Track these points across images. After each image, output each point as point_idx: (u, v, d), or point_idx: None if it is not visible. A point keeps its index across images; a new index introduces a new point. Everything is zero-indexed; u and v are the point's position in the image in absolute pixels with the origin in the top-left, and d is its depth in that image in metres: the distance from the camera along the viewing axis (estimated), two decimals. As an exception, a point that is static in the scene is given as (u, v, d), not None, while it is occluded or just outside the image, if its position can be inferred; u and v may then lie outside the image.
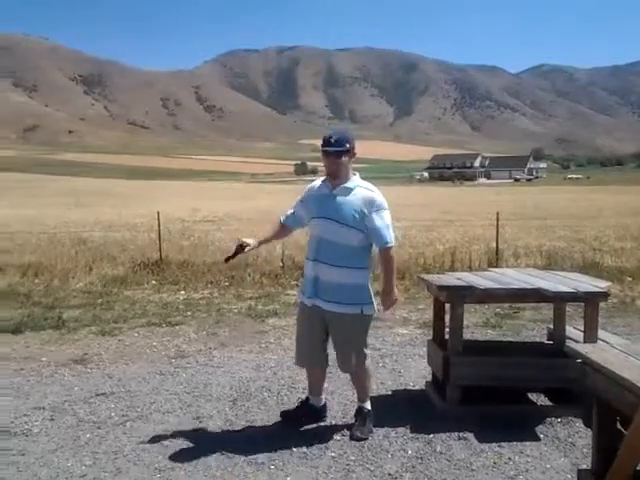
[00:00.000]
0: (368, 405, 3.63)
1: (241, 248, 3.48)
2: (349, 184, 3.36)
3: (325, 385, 3.87)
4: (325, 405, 3.80)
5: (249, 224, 14.75)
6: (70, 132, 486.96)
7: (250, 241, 3.51)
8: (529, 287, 3.69)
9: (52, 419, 3.86)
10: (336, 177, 3.36)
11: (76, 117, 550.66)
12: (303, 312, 3.57)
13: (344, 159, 3.31)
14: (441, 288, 3.88)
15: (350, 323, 3.41)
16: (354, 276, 3.36)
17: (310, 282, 3.44)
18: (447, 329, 4.09)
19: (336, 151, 3.29)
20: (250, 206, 27.40)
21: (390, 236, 3.36)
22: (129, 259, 9.83)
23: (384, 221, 3.33)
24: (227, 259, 3.60)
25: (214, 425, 3.75)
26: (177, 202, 32.00)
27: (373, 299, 3.46)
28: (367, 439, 3.46)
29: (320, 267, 3.38)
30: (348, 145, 3.30)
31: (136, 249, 10.86)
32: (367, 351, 3.58)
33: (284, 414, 3.77)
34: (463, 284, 3.83)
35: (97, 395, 4.27)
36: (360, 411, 3.62)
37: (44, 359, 5.14)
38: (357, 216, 3.29)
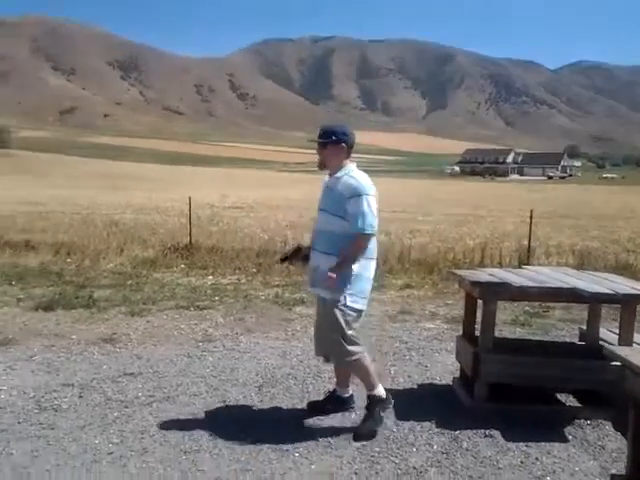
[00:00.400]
0: (378, 391, 3.50)
1: (299, 251, 3.57)
2: (339, 174, 3.42)
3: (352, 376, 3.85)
4: (352, 396, 3.78)
5: (278, 212, 14.78)
6: (106, 116, 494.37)
7: (306, 244, 3.62)
8: (565, 286, 3.60)
9: (81, 396, 3.92)
10: (323, 167, 3.49)
11: (112, 101, 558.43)
12: (316, 302, 3.65)
13: (329, 149, 3.41)
14: (474, 284, 3.81)
15: (330, 309, 3.35)
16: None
17: (311, 271, 3.53)
18: (477, 325, 4.03)
19: (320, 142, 3.43)
20: (280, 194, 27.48)
21: (364, 223, 3.25)
22: (159, 242, 9.96)
23: (360, 207, 3.26)
24: (282, 259, 3.66)
25: (240, 410, 3.77)
26: (207, 188, 32.26)
27: (362, 292, 3.37)
28: (370, 438, 3.35)
29: (316, 256, 3.47)
30: (334, 137, 3.39)
31: (166, 233, 10.99)
32: (355, 348, 3.40)
33: (311, 405, 3.76)
34: (497, 280, 3.76)
35: (125, 375, 4.33)
36: (368, 401, 3.53)
37: (74, 337, 5.23)
38: (338, 204, 3.34)
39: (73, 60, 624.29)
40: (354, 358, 3.40)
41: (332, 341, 3.40)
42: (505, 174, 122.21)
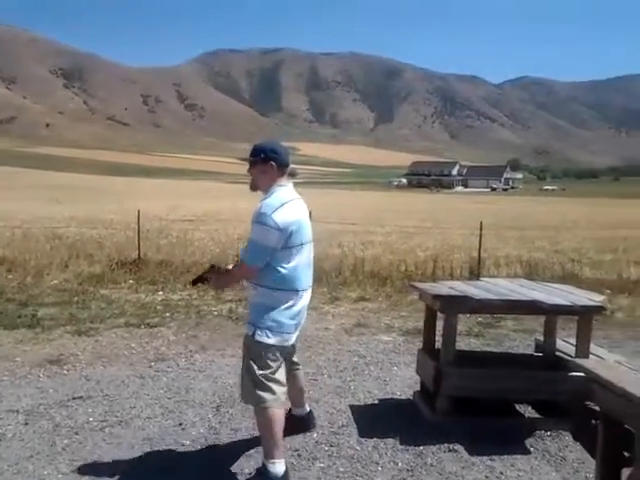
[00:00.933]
0: (274, 467, 2.98)
1: (212, 270, 3.22)
2: (264, 196, 3.10)
3: (308, 394, 3.76)
4: (311, 413, 3.68)
5: (228, 224, 14.57)
6: (48, 125, 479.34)
7: (222, 265, 3.33)
8: (524, 299, 3.64)
9: (26, 423, 3.70)
10: (255, 188, 3.16)
11: (55, 110, 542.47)
12: None
13: (258, 168, 3.10)
14: (436, 297, 3.81)
15: (245, 343, 3.11)
16: (253, 293, 3.11)
17: None
18: (437, 338, 4.03)
19: (250, 161, 3.14)
20: (230, 206, 27.16)
21: (246, 253, 2.99)
22: (106, 257, 9.61)
23: (252, 235, 2.98)
24: (194, 281, 3.27)
25: (197, 433, 3.63)
26: (154, 200, 31.63)
27: (275, 326, 2.99)
28: None
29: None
30: (262, 155, 3.08)
31: (113, 247, 10.63)
32: (264, 394, 2.97)
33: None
34: (458, 294, 3.77)
35: (74, 398, 4.11)
36: (257, 471, 3.08)
37: (18, 359, 4.95)
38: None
39: (14, 68, 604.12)
40: (261, 405, 3.00)
41: (240, 376, 3.13)
42: (450, 186, 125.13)
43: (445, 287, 4.03)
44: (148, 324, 6.19)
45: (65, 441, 3.46)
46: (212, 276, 3.19)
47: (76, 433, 3.57)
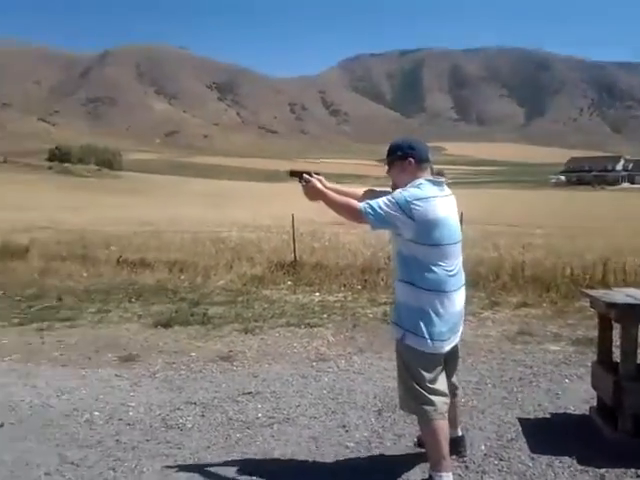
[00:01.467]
0: (437, 478, 2.86)
1: (318, 175, 3.05)
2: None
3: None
4: (463, 438, 3.33)
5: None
6: (205, 137, 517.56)
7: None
8: None
9: (203, 415, 3.97)
10: (395, 188, 2.98)
11: (210, 122, 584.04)
12: None
13: (397, 166, 2.99)
14: (610, 305, 3.49)
15: (396, 349, 2.98)
16: (399, 292, 2.94)
17: None
18: (614, 349, 3.69)
19: (387, 161, 3.04)
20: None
21: (369, 203, 2.78)
22: (265, 259, 10.12)
23: (387, 197, 2.80)
24: (293, 172, 3.09)
25: (360, 436, 3.64)
26: (306, 203, 32.68)
27: (424, 331, 2.81)
28: None
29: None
30: (399, 152, 2.96)
31: (270, 250, 11.16)
32: (424, 406, 2.85)
33: (419, 440, 3.36)
34: (637, 302, 3.42)
35: (244, 394, 4.34)
36: None
37: (193, 354, 5.35)
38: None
39: (175, 85, 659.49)
40: (421, 417, 2.90)
41: (400, 384, 3.01)
42: (615, 182, 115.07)
43: (621, 294, 3.67)
44: (308, 324, 6.39)
45: (238, 435, 3.66)
46: (312, 179, 3.00)
47: (247, 427, 3.76)
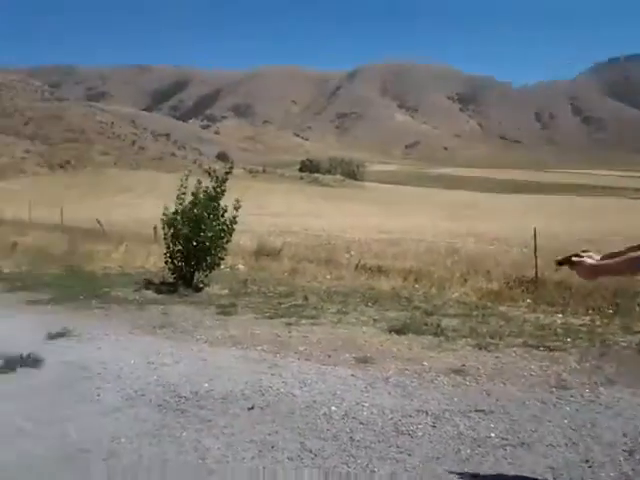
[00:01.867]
0: None
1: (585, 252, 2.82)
2: None
3: None
4: None
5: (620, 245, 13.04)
6: (445, 148, 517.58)
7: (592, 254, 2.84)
8: None
9: (434, 426, 3.95)
10: None
11: (451, 134, 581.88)
12: None
13: None
14: None
15: None
16: None
17: None
18: None
19: None
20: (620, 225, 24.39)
21: None
22: (501, 273, 9.73)
23: None
24: (560, 262, 2.89)
25: (606, 475, 3.28)
26: (552, 218, 30.71)
27: None
28: None
29: None
30: None
31: (509, 264, 10.70)
32: None
33: None
34: None
35: (476, 410, 4.22)
36: None
37: (425, 363, 5.37)
38: None
39: (417, 97, 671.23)
40: None
41: None
42: None
43: None
44: (548, 347, 5.95)
45: (468, 451, 3.57)
46: (582, 259, 2.75)
47: (479, 445, 3.65)
